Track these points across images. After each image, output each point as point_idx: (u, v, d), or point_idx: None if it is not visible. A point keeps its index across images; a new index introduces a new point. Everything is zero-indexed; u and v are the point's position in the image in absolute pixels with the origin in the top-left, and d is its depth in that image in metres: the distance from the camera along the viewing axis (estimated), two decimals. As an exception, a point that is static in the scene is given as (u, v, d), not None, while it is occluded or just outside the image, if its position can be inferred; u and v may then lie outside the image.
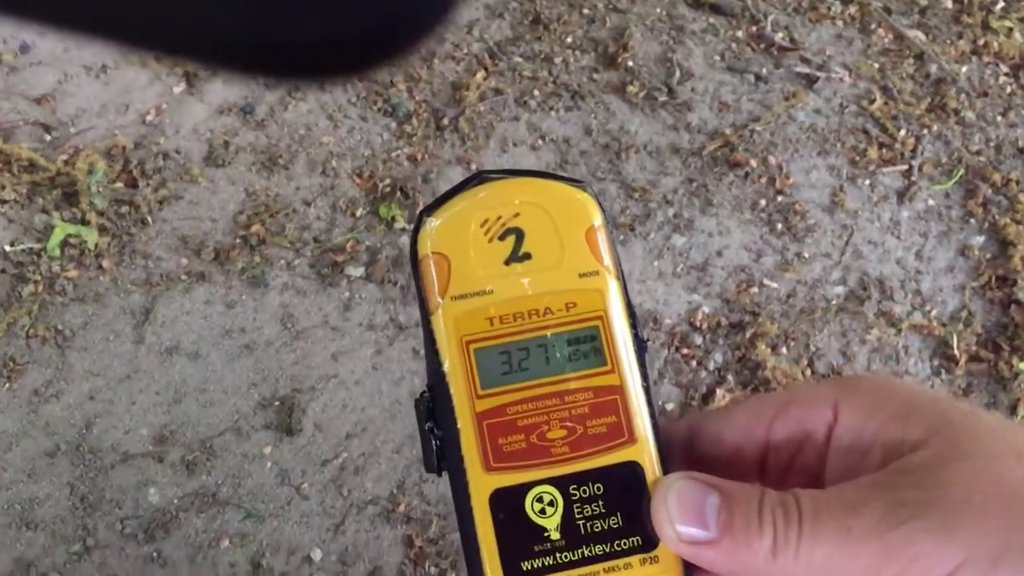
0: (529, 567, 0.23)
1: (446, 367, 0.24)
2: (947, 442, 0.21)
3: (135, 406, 0.99)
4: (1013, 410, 1.10)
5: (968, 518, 0.20)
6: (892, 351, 1.14)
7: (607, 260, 0.25)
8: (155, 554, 0.91)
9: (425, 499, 0.97)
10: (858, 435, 0.23)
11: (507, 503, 0.24)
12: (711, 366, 1.10)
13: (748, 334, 1.12)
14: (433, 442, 0.25)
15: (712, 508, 0.22)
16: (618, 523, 0.24)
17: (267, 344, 1.05)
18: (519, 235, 0.25)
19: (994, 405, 1.11)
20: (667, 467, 0.25)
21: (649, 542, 0.24)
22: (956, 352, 1.14)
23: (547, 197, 0.25)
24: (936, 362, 1.14)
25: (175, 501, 0.94)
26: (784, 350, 1.12)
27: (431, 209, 0.26)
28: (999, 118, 1.32)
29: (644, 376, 0.25)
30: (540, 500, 0.24)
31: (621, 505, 0.24)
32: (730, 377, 1.09)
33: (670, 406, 1.07)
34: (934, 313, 1.17)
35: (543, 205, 0.25)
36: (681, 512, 0.22)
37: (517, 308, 0.25)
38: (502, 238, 0.25)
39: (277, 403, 1.01)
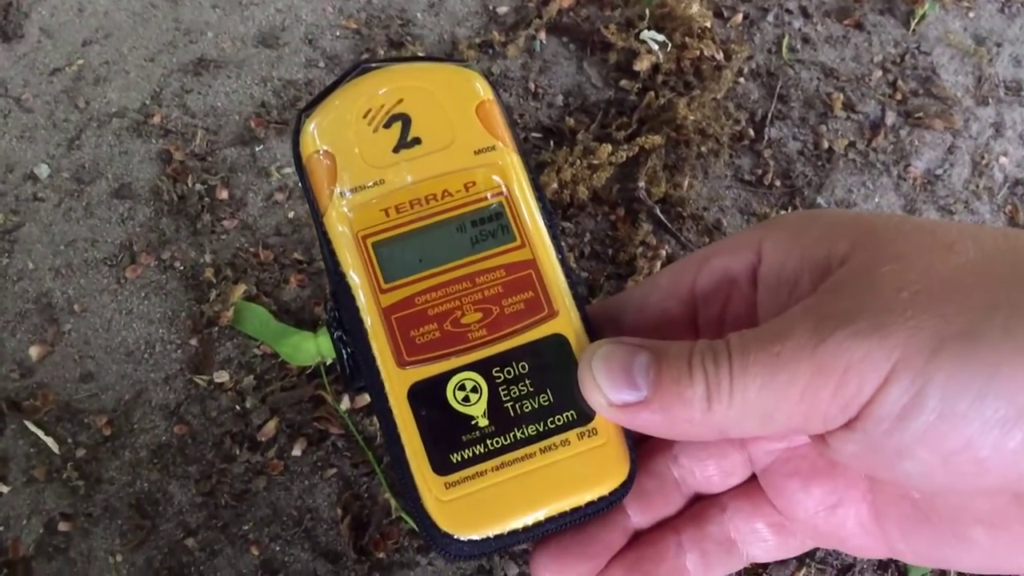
0: (459, 458, 0.22)
1: (344, 266, 0.23)
2: (874, 248, 0.20)
3: None
4: (910, 14, 0.95)
5: (898, 315, 0.18)
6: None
7: (503, 133, 0.24)
8: None
9: (188, 111, 0.78)
10: (783, 267, 0.22)
11: (427, 396, 0.22)
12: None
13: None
14: (343, 352, 0.23)
15: (641, 367, 0.21)
16: (548, 400, 0.22)
17: (-27, -62, 0.81)
18: (406, 121, 0.23)
19: (890, 11, 0.95)
20: (593, 338, 0.23)
21: (584, 415, 0.22)
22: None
23: (431, 79, 0.24)
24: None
25: None
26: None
27: (309, 108, 0.24)
28: None
29: (558, 248, 0.24)
30: (462, 388, 0.22)
31: (549, 381, 0.23)
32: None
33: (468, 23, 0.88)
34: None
35: (428, 88, 0.24)
36: (609, 376, 0.21)
37: (412, 195, 0.23)
38: (387, 126, 0.23)
39: (-12, 5, 0.79)
